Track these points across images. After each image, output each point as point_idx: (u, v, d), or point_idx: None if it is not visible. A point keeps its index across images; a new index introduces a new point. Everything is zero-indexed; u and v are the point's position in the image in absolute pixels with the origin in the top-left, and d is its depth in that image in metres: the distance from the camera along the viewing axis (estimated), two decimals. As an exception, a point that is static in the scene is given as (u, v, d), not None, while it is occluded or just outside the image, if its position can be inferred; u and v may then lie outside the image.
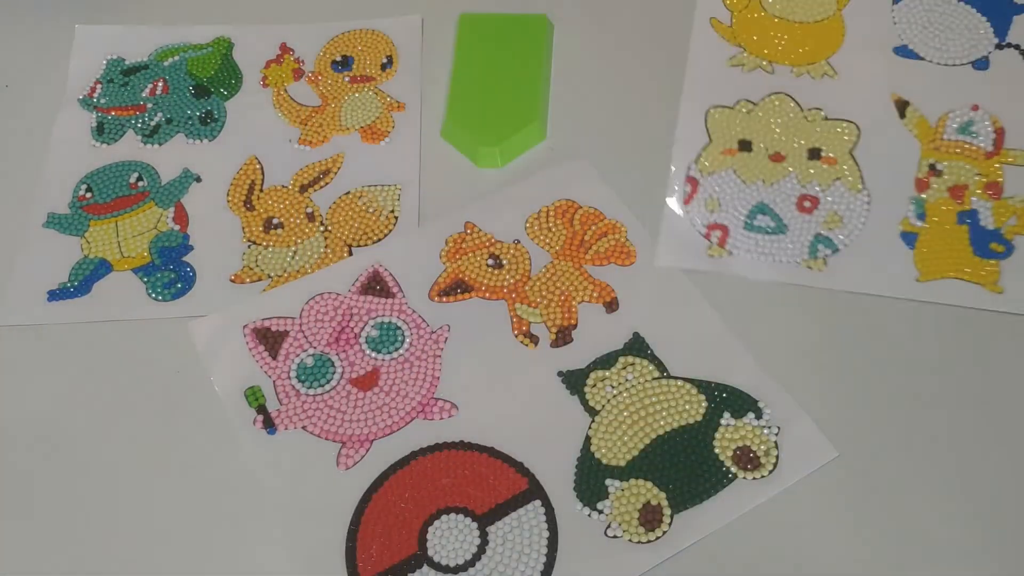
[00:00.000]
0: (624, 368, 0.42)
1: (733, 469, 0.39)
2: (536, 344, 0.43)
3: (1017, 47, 0.48)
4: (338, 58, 0.54)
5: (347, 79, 0.53)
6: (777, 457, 0.39)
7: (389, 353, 0.43)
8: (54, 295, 0.45)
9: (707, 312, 0.43)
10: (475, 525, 0.38)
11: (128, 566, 0.37)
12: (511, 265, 0.46)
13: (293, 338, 0.43)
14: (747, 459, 0.39)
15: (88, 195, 0.49)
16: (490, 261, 0.46)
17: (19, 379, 0.43)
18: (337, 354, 0.43)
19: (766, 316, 0.43)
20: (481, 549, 0.37)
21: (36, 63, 0.54)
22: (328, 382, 0.42)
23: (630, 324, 0.43)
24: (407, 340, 0.43)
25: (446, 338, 0.43)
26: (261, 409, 0.41)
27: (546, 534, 0.37)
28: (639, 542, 0.37)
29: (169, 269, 0.46)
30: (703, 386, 0.41)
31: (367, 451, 0.40)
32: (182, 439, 0.40)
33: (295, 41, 0.55)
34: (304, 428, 0.41)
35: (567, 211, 0.47)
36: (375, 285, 0.45)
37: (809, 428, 0.40)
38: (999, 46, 0.48)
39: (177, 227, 0.47)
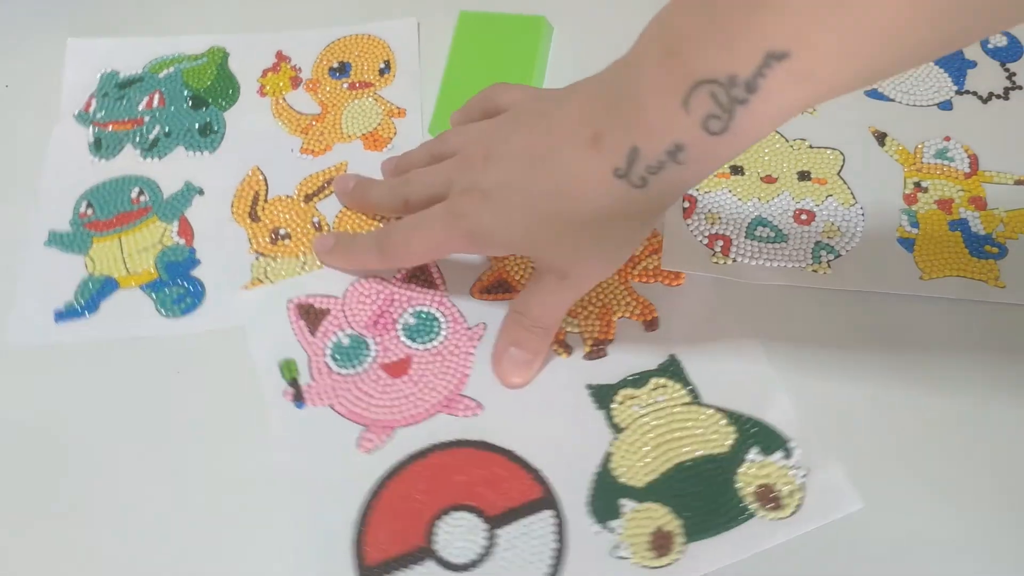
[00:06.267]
0: (655, 389, 0.41)
1: (752, 506, 0.38)
2: (569, 354, 0.43)
3: (975, 93, 0.51)
4: (335, 64, 0.53)
5: (345, 86, 0.52)
6: (801, 500, 0.38)
7: (423, 344, 0.43)
8: (61, 315, 0.44)
9: (749, 343, 0.42)
10: (485, 526, 0.38)
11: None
12: (556, 271, 0.45)
13: (333, 317, 0.44)
14: (769, 498, 0.38)
15: (89, 211, 0.48)
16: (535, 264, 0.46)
17: (31, 402, 0.42)
18: (373, 337, 0.43)
19: (785, 330, 0.43)
20: (487, 551, 0.37)
21: (29, 78, 0.54)
22: (361, 364, 0.42)
23: (668, 346, 0.43)
24: (443, 333, 0.43)
25: (481, 336, 0.43)
26: (293, 382, 0.42)
27: (554, 545, 0.37)
28: (646, 567, 0.36)
29: (177, 284, 0.45)
30: (734, 417, 0.40)
31: (388, 437, 0.40)
32: (196, 456, 0.40)
33: (291, 48, 0.54)
34: (331, 406, 0.41)
35: (620, 224, 0.47)
36: (420, 274, 0.45)
37: (837, 475, 0.38)
38: (959, 92, 0.51)
39: (182, 241, 0.47)
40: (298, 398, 0.42)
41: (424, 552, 0.37)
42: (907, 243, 0.45)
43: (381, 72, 0.53)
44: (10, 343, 0.43)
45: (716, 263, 0.45)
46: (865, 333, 0.43)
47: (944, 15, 0.27)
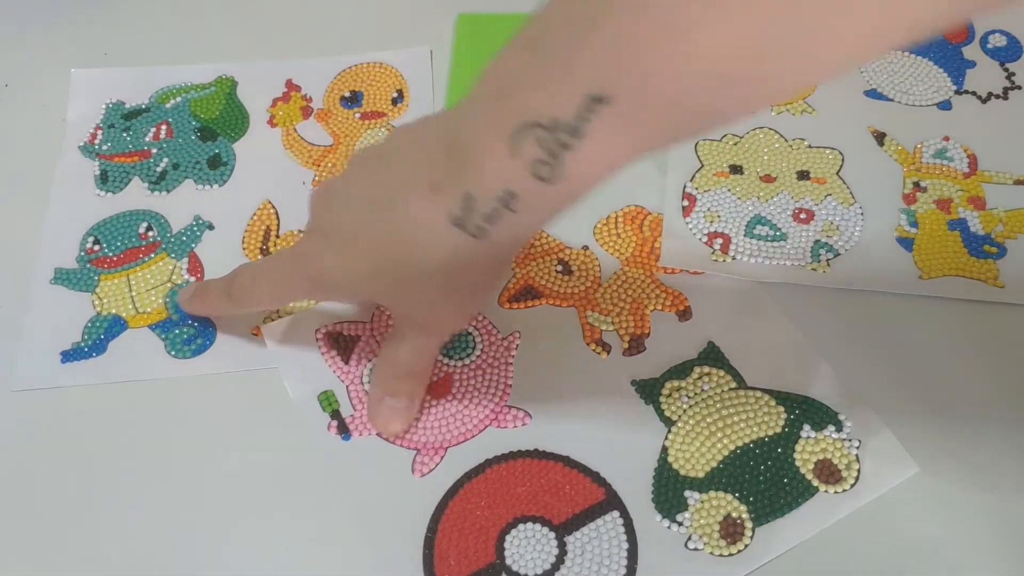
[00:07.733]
0: (700, 378, 0.41)
1: (814, 482, 0.38)
2: (609, 352, 0.43)
3: (974, 93, 0.52)
4: (347, 94, 0.52)
5: (358, 116, 0.51)
6: (858, 471, 0.38)
7: (461, 360, 0.43)
8: (68, 356, 0.43)
9: (782, 322, 0.43)
10: (553, 535, 0.38)
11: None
12: (580, 271, 0.45)
13: (365, 342, 0.43)
14: (828, 472, 0.38)
15: (96, 247, 0.46)
16: (559, 267, 0.46)
17: (37, 446, 0.40)
18: (409, 360, 0.43)
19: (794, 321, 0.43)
20: (560, 559, 0.37)
21: (34, 109, 0.52)
22: (401, 388, 0.42)
23: (704, 333, 0.43)
24: (478, 347, 0.43)
25: (517, 345, 0.43)
26: (335, 414, 0.41)
27: (626, 545, 0.37)
28: (721, 555, 0.37)
29: (188, 324, 0.44)
30: (781, 398, 0.40)
31: (441, 458, 0.40)
32: (211, 501, 0.39)
33: (301, 77, 0.53)
34: (378, 434, 0.41)
35: (636, 217, 0.47)
36: (444, 290, 0.45)
37: (890, 442, 0.39)
38: (958, 92, 0.52)
39: (193, 278, 0.45)
40: (343, 430, 0.41)
41: (496, 568, 0.37)
42: (906, 243, 0.46)
43: (394, 102, 0.52)
44: (15, 384, 0.42)
45: (715, 261, 0.45)
46: (864, 332, 0.43)
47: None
